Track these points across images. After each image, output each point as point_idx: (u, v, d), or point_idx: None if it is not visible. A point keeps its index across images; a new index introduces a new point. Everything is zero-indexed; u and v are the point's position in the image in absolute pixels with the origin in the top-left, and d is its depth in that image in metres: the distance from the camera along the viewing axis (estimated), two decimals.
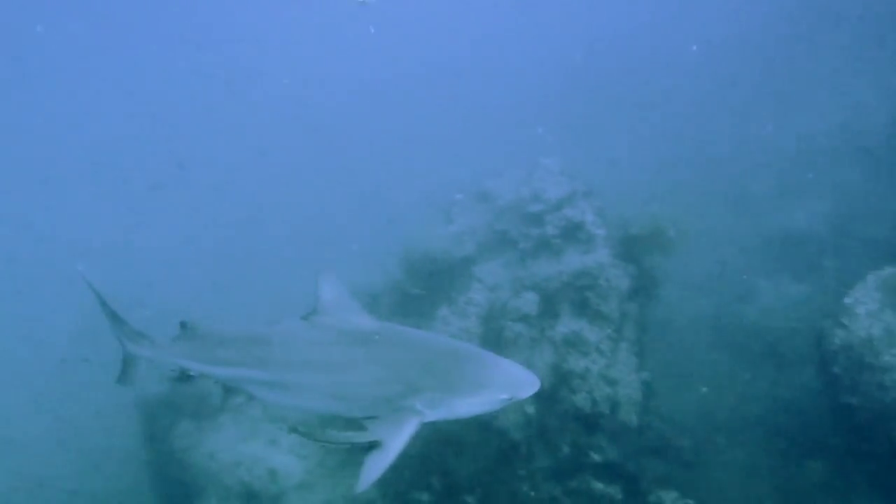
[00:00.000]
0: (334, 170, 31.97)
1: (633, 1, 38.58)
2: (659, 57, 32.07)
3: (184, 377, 7.48)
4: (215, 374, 7.16)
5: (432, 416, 6.08)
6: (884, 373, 10.58)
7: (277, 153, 33.78)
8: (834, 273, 15.89)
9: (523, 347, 11.72)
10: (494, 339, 11.96)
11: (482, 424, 10.67)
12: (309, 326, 6.72)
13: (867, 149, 20.50)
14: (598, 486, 10.64)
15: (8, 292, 27.08)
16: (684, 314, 15.54)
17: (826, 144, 21.84)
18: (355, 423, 6.18)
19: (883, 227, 16.83)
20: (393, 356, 6.39)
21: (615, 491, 10.62)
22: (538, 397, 8.70)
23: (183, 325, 7.41)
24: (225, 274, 24.95)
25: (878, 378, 10.62)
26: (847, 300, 11.46)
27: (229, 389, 7.34)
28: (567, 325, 11.85)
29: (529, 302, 12.24)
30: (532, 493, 10.51)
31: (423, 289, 13.62)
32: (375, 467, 5.75)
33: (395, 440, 5.84)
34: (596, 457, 10.94)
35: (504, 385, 6.11)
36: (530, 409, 10.90)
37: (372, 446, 5.81)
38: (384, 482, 11.52)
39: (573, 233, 13.34)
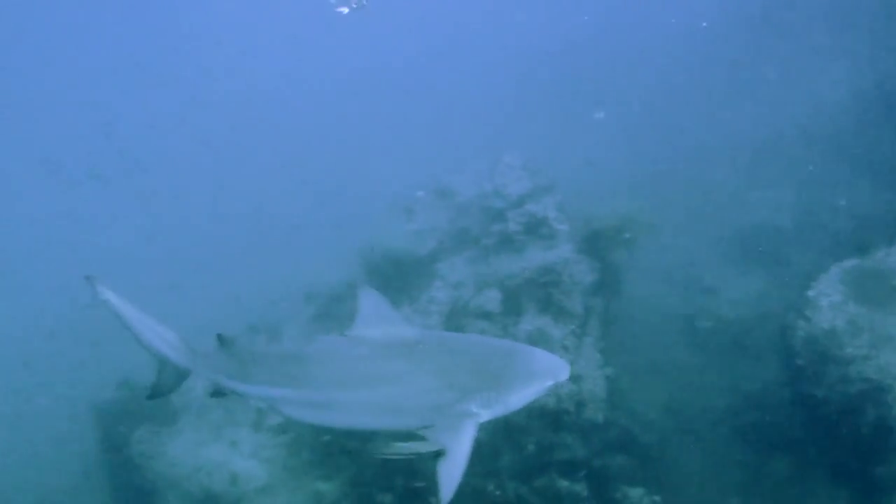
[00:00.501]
0: (293, 168, 31.74)
1: None
2: (623, 51, 32.07)
3: (218, 393, 7.25)
4: (251, 393, 6.93)
5: (488, 415, 6.13)
6: (847, 365, 10.57)
7: (236, 151, 33.53)
8: (798, 265, 15.89)
9: None
10: None
11: None
12: (350, 342, 6.57)
13: (832, 141, 20.56)
14: (564, 483, 10.56)
15: None
16: (649, 308, 15.48)
17: (791, 137, 21.87)
18: (409, 435, 6.15)
19: (847, 219, 16.87)
20: (441, 363, 6.35)
21: (581, 488, 10.55)
22: None
23: (220, 338, 7.16)
24: (181, 275, 24.65)
25: (841, 370, 10.61)
26: (811, 292, 11.47)
27: (262, 410, 7.10)
28: (531, 321, 11.74)
29: (492, 299, 12.12)
30: (498, 493, 10.41)
31: (385, 287, 13.48)
32: (451, 477, 5.71)
33: (461, 446, 5.85)
34: (561, 454, 10.84)
35: (547, 372, 6.26)
36: None
37: (437, 455, 5.80)
38: (346, 483, 11.45)
39: (536, 228, 13.23)
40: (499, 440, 10.77)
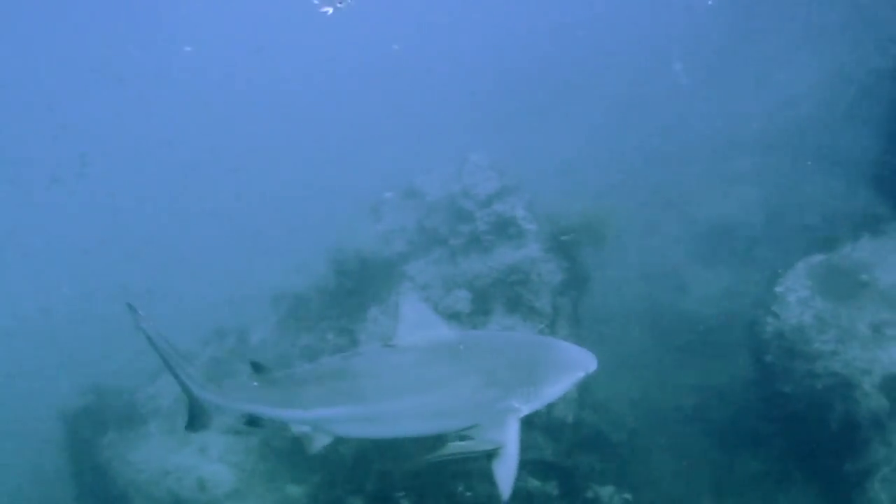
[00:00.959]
0: (260, 170, 31.59)
1: None
2: (591, 53, 32.15)
3: (254, 422, 7.10)
4: (301, 418, 6.83)
5: (527, 409, 6.31)
6: (815, 360, 10.62)
7: (201, 153, 33.31)
8: (766, 261, 15.94)
9: None
10: None
11: None
12: (393, 351, 6.64)
13: (798, 138, 20.68)
14: (535, 483, 10.54)
15: None
16: (618, 307, 15.52)
17: (757, 133, 21.98)
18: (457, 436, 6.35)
19: (813, 214, 16.96)
20: (483, 363, 6.49)
21: (551, 488, 10.54)
22: None
23: (255, 366, 7.05)
24: (142, 279, 24.46)
25: (809, 365, 10.66)
26: (778, 288, 11.52)
27: (306, 433, 6.91)
28: (500, 321, 11.72)
29: (461, 299, 12.09)
30: (468, 494, 10.36)
31: (353, 289, 13.42)
32: (507, 473, 6.01)
33: (511, 442, 6.08)
34: (532, 454, 10.81)
35: (578, 365, 6.55)
36: None
37: (490, 455, 6.05)
38: (316, 486, 11.37)
39: (504, 228, 13.19)
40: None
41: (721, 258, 17.44)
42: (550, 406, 10.90)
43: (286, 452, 12.05)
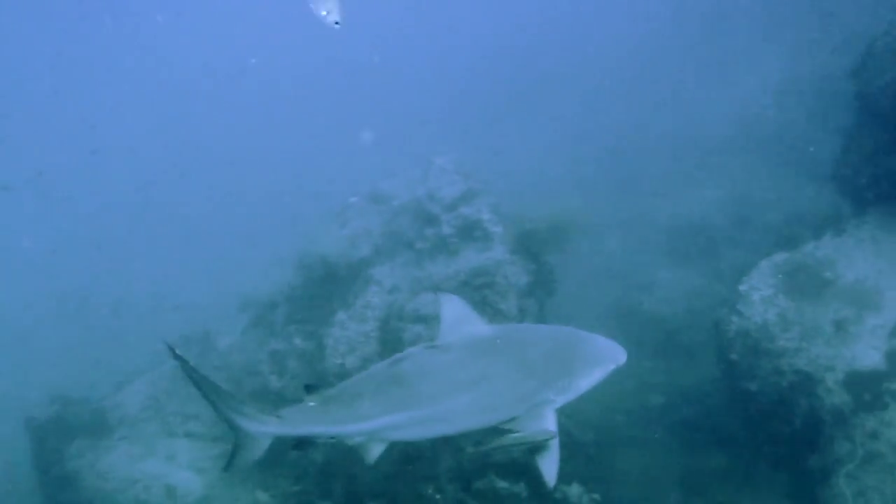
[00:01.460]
0: (225, 176, 31.40)
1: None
2: (556, 55, 32.27)
3: (303, 444, 6.97)
4: (360, 430, 6.69)
5: (562, 400, 6.48)
6: (779, 357, 10.72)
7: (163, 156, 33.08)
8: (730, 260, 16.11)
9: None
10: (393, 342, 11.78)
11: None
12: (439, 352, 6.72)
13: (759, 138, 20.90)
14: (503, 485, 10.53)
15: None
16: (583, 308, 15.57)
17: (720, 134, 22.17)
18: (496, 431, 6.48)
19: (776, 213, 17.14)
20: (521, 356, 6.64)
21: (520, 489, 10.52)
22: None
23: (308, 387, 6.89)
24: (105, 286, 24.29)
25: (774, 363, 10.76)
26: (742, 287, 11.60)
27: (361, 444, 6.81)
28: None
29: (428, 303, 12.10)
30: (437, 496, 10.36)
31: (320, 294, 13.40)
32: (552, 463, 6.26)
33: (552, 434, 6.26)
34: (500, 456, 10.82)
35: (610, 357, 6.72)
36: None
37: (534, 447, 6.26)
38: (285, 492, 11.34)
39: (470, 231, 13.22)
40: (438, 443, 10.74)
41: (686, 258, 17.57)
42: None
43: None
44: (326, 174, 24.58)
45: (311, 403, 6.76)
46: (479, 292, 12.08)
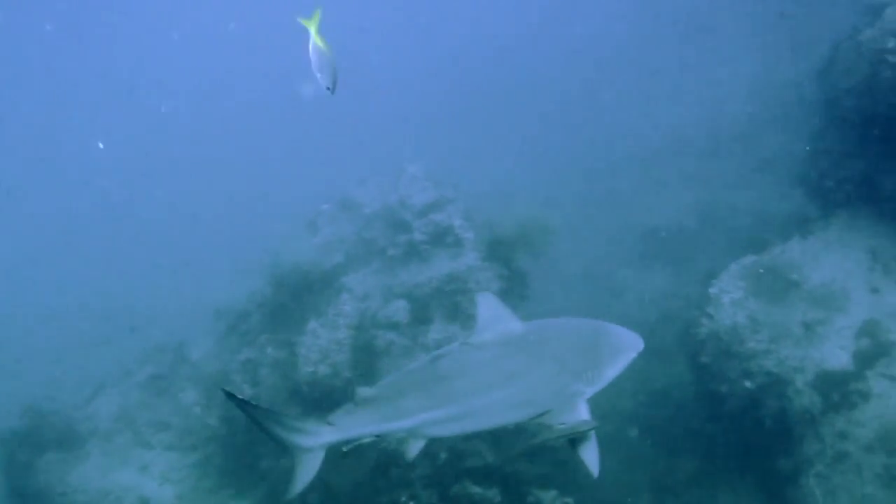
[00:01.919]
0: (196, 185, 31.26)
1: (502, 8, 38.93)
2: (526, 60, 32.38)
3: (351, 445, 6.91)
4: (404, 427, 6.68)
5: (591, 391, 6.48)
6: (749, 359, 10.82)
7: (137, 165, 32.90)
8: (700, 264, 16.18)
9: (396, 356, 11.63)
10: (366, 350, 11.80)
11: None
12: (475, 348, 6.71)
13: (727, 142, 21.06)
14: (477, 490, 10.55)
15: None
16: (555, 312, 15.49)
17: (690, 139, 22.32)
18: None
19: (744, 217, 17.27)
20: (552, 349, 6.66)
21: (494, 494, 10.55)
22: None
23: (358, 391, 6.91)
24: (78, 295, 24.12)
25: (743, 365, 10.86)
26: (712, 290, 11.70)
27: (403, 441, 6.83)
28: (439, 330, 11.80)
29: (400, 309, 12.15)
30: (412, 503, 10.38)
31: (292, 302, 13.38)
32: (593, 453, 6.23)
33: (593, 424, 6.29)
34: (474, 461, 10.86)
35: (631, 346, 6.71)
36: None
37: (573, 439, 6.23)
38: (259, 500, 11.31)
39: (441, 238, 13.28)
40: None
41: (656, 262, 17.65)
42: None
43: (228, 468, 11.97)
44: (297, 183, 24.53)
45: (357, 406, 6.80)
46: (452, 298, 12.13)
